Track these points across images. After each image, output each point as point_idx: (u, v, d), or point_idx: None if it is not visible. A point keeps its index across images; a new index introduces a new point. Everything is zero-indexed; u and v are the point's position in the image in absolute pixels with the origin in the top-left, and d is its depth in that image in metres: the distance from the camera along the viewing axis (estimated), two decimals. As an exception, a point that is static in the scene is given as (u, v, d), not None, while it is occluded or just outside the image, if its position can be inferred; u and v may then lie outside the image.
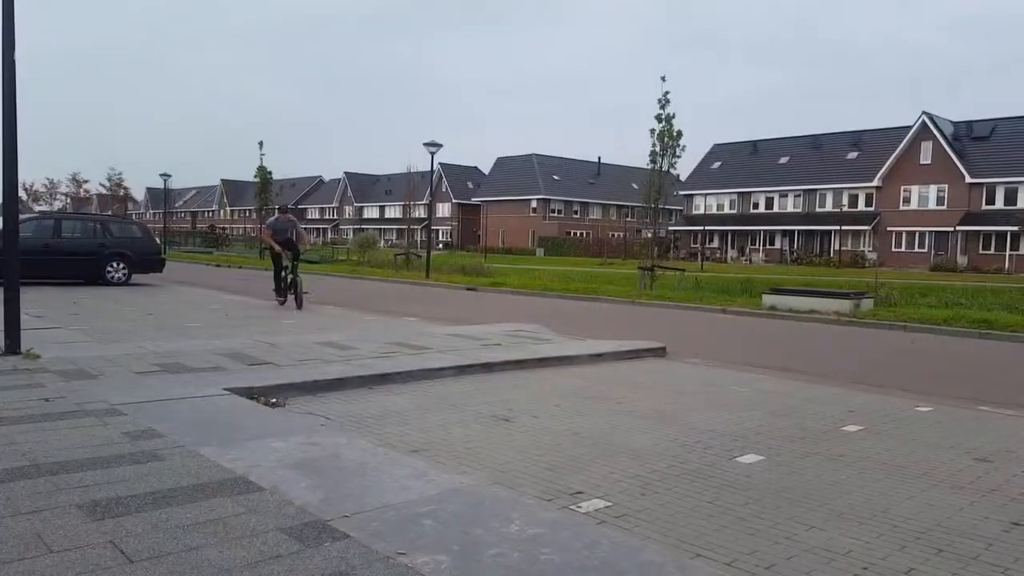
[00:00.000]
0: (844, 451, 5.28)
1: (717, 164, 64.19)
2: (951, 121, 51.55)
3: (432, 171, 30.22)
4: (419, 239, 49.68)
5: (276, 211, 16.01)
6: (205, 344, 8.68)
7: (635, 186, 56.76)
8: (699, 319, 15.62)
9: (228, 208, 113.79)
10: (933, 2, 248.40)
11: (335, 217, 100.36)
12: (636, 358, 9.38)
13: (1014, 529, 3.87)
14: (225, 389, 6.13)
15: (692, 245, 61.50)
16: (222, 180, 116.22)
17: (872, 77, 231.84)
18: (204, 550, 3.05)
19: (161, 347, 8.35)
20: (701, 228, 60.51)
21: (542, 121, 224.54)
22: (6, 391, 5.80)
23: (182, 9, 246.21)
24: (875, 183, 52.02)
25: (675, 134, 20.97)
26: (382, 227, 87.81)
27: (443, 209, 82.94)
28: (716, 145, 66.60)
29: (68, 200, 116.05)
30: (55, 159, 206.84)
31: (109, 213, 63.69)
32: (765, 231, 58.57)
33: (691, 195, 63.94)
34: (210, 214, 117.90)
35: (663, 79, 20.70)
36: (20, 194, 7.95)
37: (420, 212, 52.49)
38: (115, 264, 18.18)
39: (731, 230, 60.70)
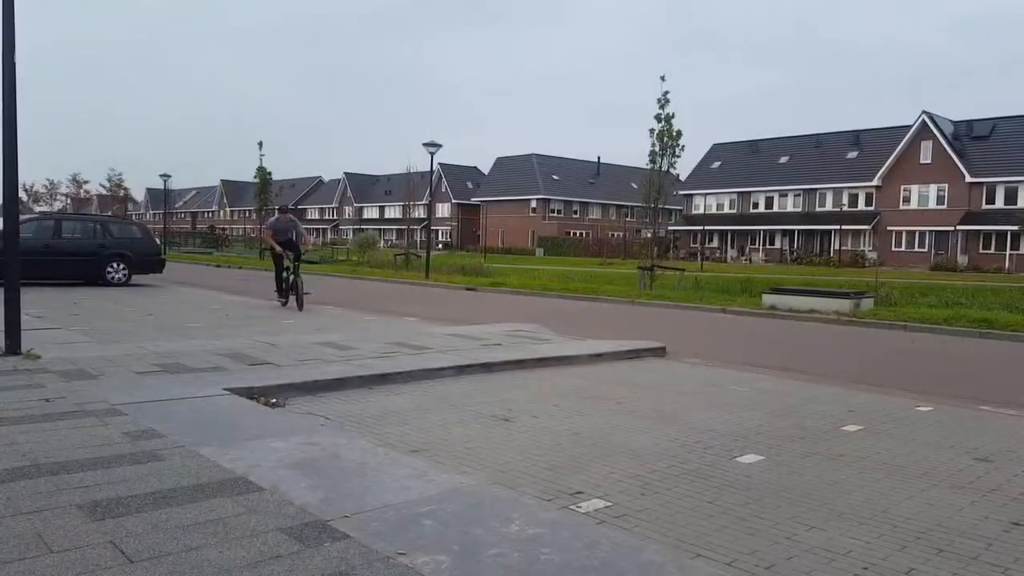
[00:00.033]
0: (844, 451, 5.28)
1: (717, 164, 64.21)
2: (951, 120, 51.56)
3: (432, 171, 30.23)
4: (419, 239, 49.68)
5: (276, 211, 15.97)
6: (205, 344, 8.68)
7: (635, 186, 56.74)
8: (699, 319, 15.62)
9: (228, 208, 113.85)
10: (933, 2, 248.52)
11: (335, 217, 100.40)
12: (636, 358, 9.38)
13: (1014, 529, 3.87)
14: (225, 389, 6.13)
15: (692, 245, 61.53)
16: (222, 181, 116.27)
17: (872, 77, 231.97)
18: (204, 550, 3.05)
19: (161, 347, 8.35)
20: (701, 228, 60.53)
21: (542, 121, 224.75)
22: (7, 391, 5.80)
23: (182, 9, 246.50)
24: (875, 182, 52.04)
25: (675, 134, 20.98)
26: (382, 227, 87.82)
27: (443, 209, 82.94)
28: (716, 145, 66.62)
29: (68, 201, 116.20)
30: (55, 160, 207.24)
31: (109, 214, 63.75)
32: (765, 231, 58.58)
33: (691, 195, 63.96)
34: (210, 215, 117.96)
35: (663, 79, 20.74)
36: (20, 195, 7.96)
37: (420, 212, 52.47)
38: (115, 265, 18.19)
39: (731, 230, 60.71)
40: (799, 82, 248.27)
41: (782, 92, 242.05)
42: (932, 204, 49.81)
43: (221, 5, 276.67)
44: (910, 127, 50.80)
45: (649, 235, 26.27)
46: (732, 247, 60.82)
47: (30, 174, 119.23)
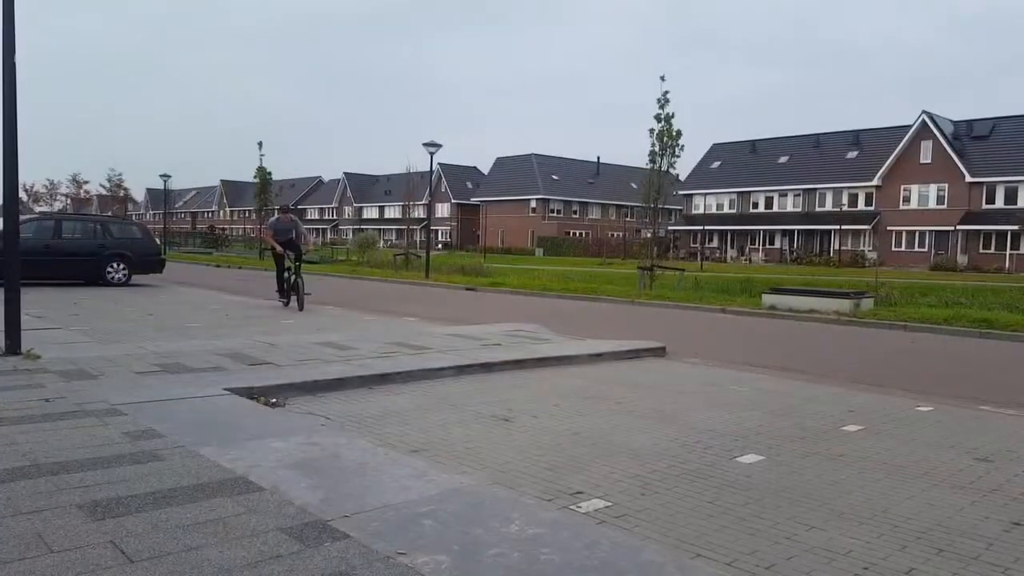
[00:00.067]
0: (844, 451, 5.28)
1: (716, 164, 64.21)
2: (951, 120, 51.57)
3: (431, 171, 30.24)
4: (418, 239, 49.69)
5: (277, 211, 15.95)
6: (205, 344, 8.68)
7: (634, 186, 56.72)
8: (699, 319, 15.62)
9: (228, 209, 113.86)
10: (933, 2, 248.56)
11: (334, 217, 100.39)
12: (636, 358, 9.38)
13: (1015, 529, 3.87)
14: (225, 389, 6.13)
15: (691, 245, 61.53)
16: (222, 181, 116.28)
17: (872, 77, 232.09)
18: (204, 550, 3.05)
19: (161, 347, 8.35)
20: (700, 228, 60.53)
21: (542, 121, 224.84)
22: (7, 391, 5.80)
23: (182, 9, 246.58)
24: (875, 182, 52.04)
25: (674, 134, 20.98)
26: (381, 227, 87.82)
27: (442, 209, 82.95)
28: (715, 145, 66.62)
29: (68, 201, 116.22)
30: (55, 160, 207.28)
31: (109, 214, 63.76)
32: (765, 231, 58.58)
33: (690, 195, 63.95)
34: (210, 215, 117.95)
35: (662, 79, 20.74)
36: (21, 195, 7.96)
37: (419, 212, 52.49)
38: (115, 265, 18.19)
39: (731, 230, 60.71)
40: (799, 82, 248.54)
41: (782, 92, 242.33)
42: (932, 204, 49.82)
43: (221, 5, 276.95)
44: (910, 127, 50.80)
45: (649, 235, 26.27)
46: (732, 247, 60.82)
47: (30, 174, 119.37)
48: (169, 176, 46.33)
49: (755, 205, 60.31)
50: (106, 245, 18.18)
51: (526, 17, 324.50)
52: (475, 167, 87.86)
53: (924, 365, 10.10)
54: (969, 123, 50.81)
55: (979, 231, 47.27)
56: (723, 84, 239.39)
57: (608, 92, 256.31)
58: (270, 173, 43.44)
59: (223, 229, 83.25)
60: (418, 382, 7.28)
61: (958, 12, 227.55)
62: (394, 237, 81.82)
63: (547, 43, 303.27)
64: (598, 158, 79.72)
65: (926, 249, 49.72)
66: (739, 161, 62.54)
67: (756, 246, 59.16)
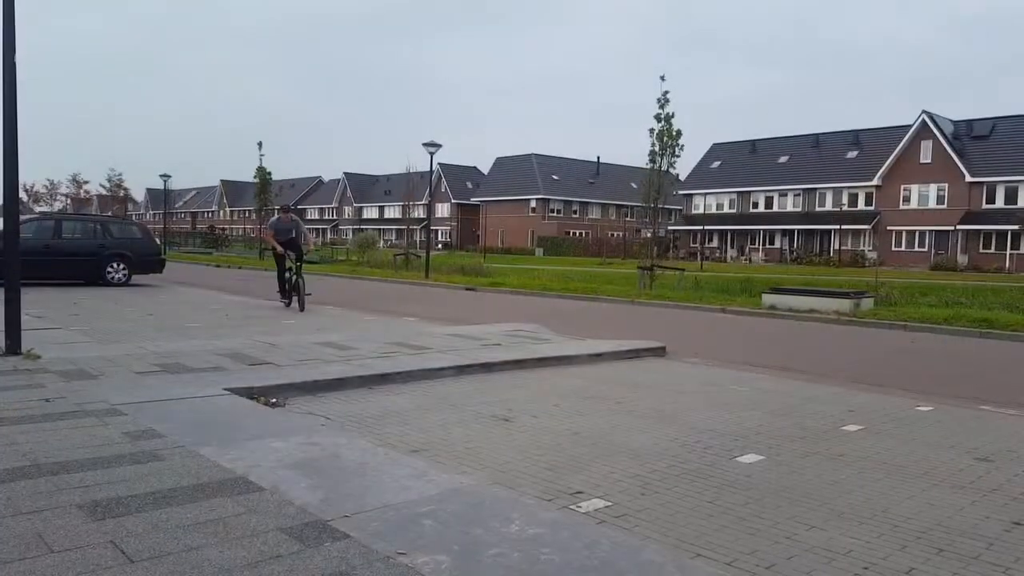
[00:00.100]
0: (844, 451, 5.28)
1: (716, 164, 64.21)
2: (951, 120, 51.57)
3: (431, 171, 30.24)
4: (418, 239, 49.70)
5: (277, 211, 15.93)
6: (205, 344, 8.68)
7: (634, 186, 56.74)
8: (699, 319, 15.62)
9: (228, 209, 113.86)
10: (933, 2, 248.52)
11: (334, 217, 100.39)
12: (636, 358, 9.38)
13: (1015, 529, 3.87)
14: (225, 389, 6.13)
15: (691, 245, 61.53)
16: (222, 181, 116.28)
17: (872, 77, 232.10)
18: (204, 550, 3.05)
19: (161, 347, 8.35)
20: (700, 228, 60.53)
21: (542, 121, 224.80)
22: (7, 391, 5.80)
23: (182, 9, 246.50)
24: (875, 182, 52.04)
25: (674, 134, 20.98)
26: (381, 227, 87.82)
27: (442, 209, 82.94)
28: (715, 144, 66.63)
29: (68, 201, 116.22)
30: (55, 160, 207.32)
31: (109, 214, 63.76)
32: (765, 230, 58.58)
33: (690, 195, 63.96)
34: (210, 215, 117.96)
35: (662, 79, 20.74)
36: (21, 195, 7.96)
37: (419, 212, 52.49)
38: (115, 265, 18.19)
39: (730, 229, 60.71)
40: (799, 82, 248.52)
41: (782, 92, 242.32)
42: (932, 204, 49.82)
43: (221, 5, 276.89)
44: (910, 127, 50.80)
45: (649, 235, 26.28)
46: (732, 247, 60.82)
47: (30, 174, 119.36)
48: (169, 176, 46.40)
49: (755, 205, 60.31)
50: (106, 245, 18.19)
51: (526, 17, 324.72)
52: (475, 167, 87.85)
53: (924, 365, 10.10)
54: (969, 123, 50.80)
55: (979, 231, 47.27)
56: (723, 84, 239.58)
57: (608, 92, 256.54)
58: (270, 173, 43.45)
59: (223, 229, 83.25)
60: (418, 382, 7.28)
61: (958, 12, 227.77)
62: (394, 237, 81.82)
63: (547, 43, 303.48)
64: (598, 158, 79.76)
65: (926, 249, 49.72)
66: (739, 161, 62.54)
67: (756, 246, 59.16)
